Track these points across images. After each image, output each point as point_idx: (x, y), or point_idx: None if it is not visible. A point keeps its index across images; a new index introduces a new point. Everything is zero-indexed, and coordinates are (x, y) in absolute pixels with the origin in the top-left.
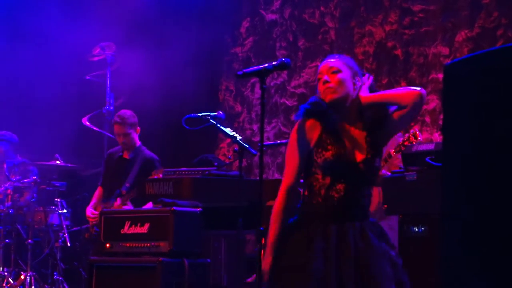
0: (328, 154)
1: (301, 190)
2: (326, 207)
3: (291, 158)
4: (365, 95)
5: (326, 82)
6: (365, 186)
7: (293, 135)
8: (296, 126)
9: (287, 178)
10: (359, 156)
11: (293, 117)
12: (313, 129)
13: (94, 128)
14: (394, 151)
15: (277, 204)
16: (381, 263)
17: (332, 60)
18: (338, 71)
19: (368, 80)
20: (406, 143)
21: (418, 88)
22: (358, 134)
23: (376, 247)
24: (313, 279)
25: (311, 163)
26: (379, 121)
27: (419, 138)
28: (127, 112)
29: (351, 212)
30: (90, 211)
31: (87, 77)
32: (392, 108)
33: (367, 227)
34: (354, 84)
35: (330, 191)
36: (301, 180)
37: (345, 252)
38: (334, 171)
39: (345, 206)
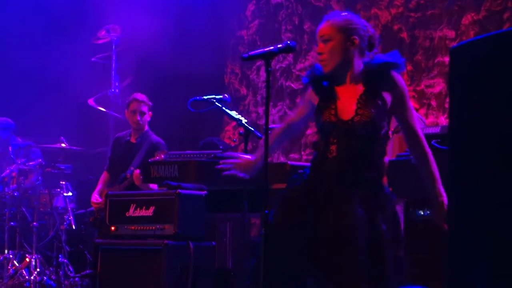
0: (320, 118)
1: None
2: (321, 169)
3: (299, 103)
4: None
5: (320, 54)
6: (358, 146)
7: (305, 94)
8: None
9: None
10: (349, 115)
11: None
12: (314, 97)
13: (100, 108)
14: (392, 132)
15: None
16: (354, 235)
17: (323, 26)
18: (329, 39)
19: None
20: None
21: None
22: (355, 93)
23: (356, 219)
24: (300, 242)
25: (316, 130)
26: (379, 84)
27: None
28: (144, 95)
29: (344, 175)
30: (95, 197)
31: (93, 59)
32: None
33: (356, 196)
34: (351, 45)
35: (326, 153)
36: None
37: (324, 219)
38: (325, 132)
39: (337, 166)
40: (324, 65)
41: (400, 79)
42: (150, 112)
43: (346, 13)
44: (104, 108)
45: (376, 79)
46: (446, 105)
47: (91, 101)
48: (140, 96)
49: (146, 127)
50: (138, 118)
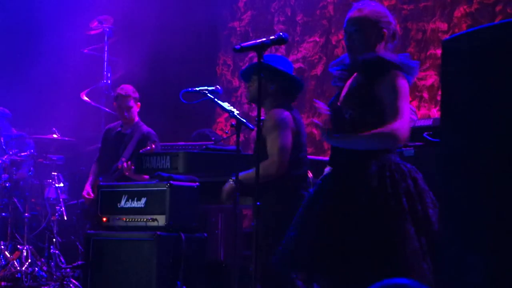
0: None
1: None
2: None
3: None
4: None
5: (348, 44)
6: (338, 131)
7: None
8: None
9: None
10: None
11: None
12: None
13: (93, 103)
14: None
15: None
16: (319, 221)
17: (354, 14)
18: (360, 29)
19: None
20: None
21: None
22: (354, 80)
23: (321, 207)
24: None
25: None
26: (372, 75)
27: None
28: (130, 86)
29: (334, 158)
30: (87, 191)
31: (85, 51)
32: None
33: (334, 181)
34: (380, 38)
35: None
36: None
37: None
38: None
39: (332, 150)
40: (351, 53)
41: (394, 79)
42: (138, 103)
43: (375, 4)
44: (96, 100)
45: (371, 71)
46: (438, 98)
47: (83, 95)
48: (125, 90)
49: (137, 118)
50: (126, 114)
